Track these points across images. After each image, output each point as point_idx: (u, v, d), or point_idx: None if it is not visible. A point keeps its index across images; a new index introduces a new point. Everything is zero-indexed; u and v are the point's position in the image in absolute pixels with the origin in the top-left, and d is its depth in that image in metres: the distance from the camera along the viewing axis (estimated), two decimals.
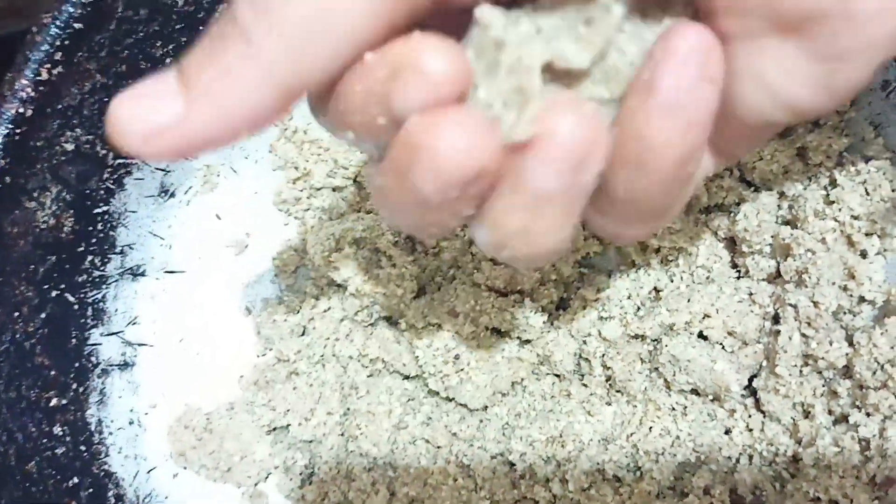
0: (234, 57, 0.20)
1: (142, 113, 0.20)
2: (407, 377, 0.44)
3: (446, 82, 0.20)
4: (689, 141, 0.22)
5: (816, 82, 0.23)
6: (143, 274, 0.45)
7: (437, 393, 0.43)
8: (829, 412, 0.37)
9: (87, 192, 0.42)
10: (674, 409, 0.40)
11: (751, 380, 0.40)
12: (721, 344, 0.39)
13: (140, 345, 0.45)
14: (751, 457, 0.39)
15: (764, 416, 0.39)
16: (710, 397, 0.40)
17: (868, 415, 0.35)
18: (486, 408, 0.43)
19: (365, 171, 0.27)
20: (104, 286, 0.44)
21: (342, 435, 0.43)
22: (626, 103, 0.23)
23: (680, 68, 0.21)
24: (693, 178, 0.25)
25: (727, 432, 0.40)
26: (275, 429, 0.44)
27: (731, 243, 0.41)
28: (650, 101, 0.22)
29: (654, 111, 0.22)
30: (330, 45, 0.20)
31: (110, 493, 0.42)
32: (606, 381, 0.41)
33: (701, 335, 0.40)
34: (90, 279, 0.43)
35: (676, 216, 0.38)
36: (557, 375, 0.43)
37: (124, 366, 0.44)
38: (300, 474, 0.43)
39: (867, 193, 0.38)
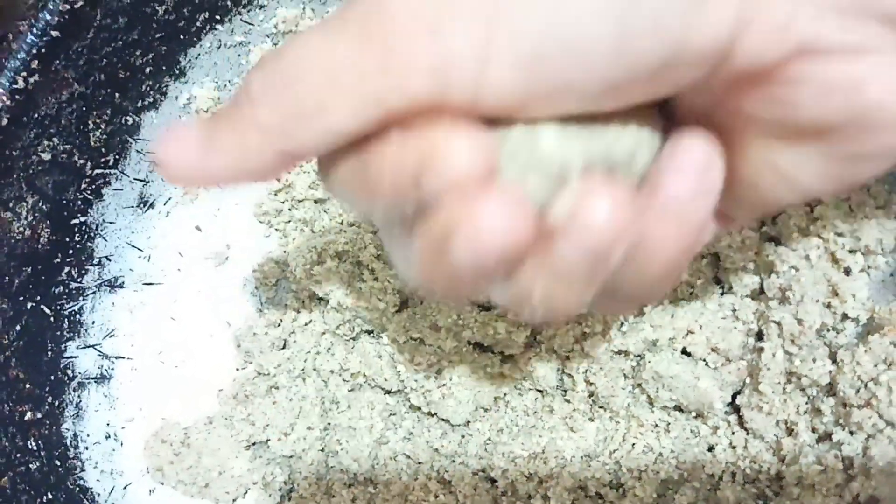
0: (241, 120, 0.22)
1: (175, 153, 0.23)
2: (388, 392, 0.43)
3: (473, 173, 0.20)
4: (681, 242, 0.23)
5: (830, 176, 0.24)
6: (121, 286, 0.45)
7: (419, 408, 0.42)
8: (813, 430, 0.37)
9: (65, 202, 0.41)
10: (657, 425, 0.40)
11: (734, 397, 0.39)
12: (704, 360, 0.39)
13: (117, 358, 0.44)
14: (734, 474, 0.38)
15: (747, 434, 0.38)
16: (694, 414, 0.40)
17: (851, 433, 0.35)
18: (467, 423, 0.42)
19: (381, 234, 0.28)
20: (81, 298, 0.43)
21: (322, 450, 0.43)
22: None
23: (681, 180, 0.23)
24: (685, 267, 0.26)
25: (710, 449, 0.39)
26: (254, 444, 0.43)
27: (715, 259, 0.41)
28: (651, 203, 0.23)
29: (654, 213, 0.23)
30: (321, 131, 0.21)
31: None
32: (589, 396, 0.41)
33: (684, 351, 0.39)
34: (67, 291, 0.42)
35: (661, 297, 0.39)
36: (540, 391, 0.42)
37: (101, 379, 0.43)
38: (279, 490, 0.43)
39: (851, 211, 0.38)
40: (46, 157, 0.40)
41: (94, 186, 0.43)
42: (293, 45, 0.21)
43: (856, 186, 0.28)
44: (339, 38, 0.20)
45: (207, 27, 0.43)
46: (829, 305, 0.37)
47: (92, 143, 0.42)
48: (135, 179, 0.44)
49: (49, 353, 0.42)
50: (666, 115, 0.25)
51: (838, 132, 0.23)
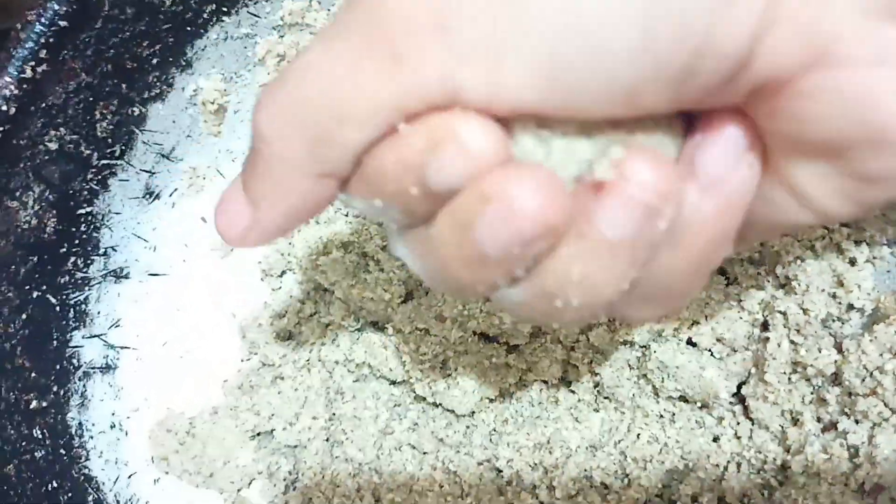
0: (266, 165, 0.21)
1: (229, 221, 0.23)
2: (393, 382, 0.44)
3: (487, 156, 0.20)
4: (725, 222, 0.23)
5: (847, 196, 0.23)
6: (126, 276, 0.45)
7: (424, 398, 0.42)
8: (818, 419, 0.37)
9: (71, 192, 0.41)
10: (662, 416, 0.40)
11: (739, 387, 0.39)
12: (710, 351, 0.39)
13: (123, 348, 0.44)
14: (739, 464, 0.38)
15: (752, 424, 0.39)
16: (699, 404, 0.40)
17: (857, 422, 0.35)
18: (473, 414, 0.42)
19: (386, 230, 0.27)
20: (87, 288, 0.43)
21: (327, 440, 0.43)
22: None
23: (721, 147, 0.22)
24: (715, 266, 0.25)
25: (715, 440, 0.39)
26: (259, 434, 0.43)
27: None
28: (691, 179, 0.22)
29: (695, 189, 0.22)
30: (345, 148, 0.20)
31: (90, 498, 0.41)
32: (594, 387, 0.41)
33: (690, 342, 0.39)
34: (72, 281, 0.42)
35: (686, 304, 0.38)
36: (545, 382, 0.42)
37: (106, 369, 0.43)
38: (284, 480, 0.43)
39: None
40: (53, 146, 0.40)
41: (100, 177, 0.43)
42: (292, 69, 0.20)
43: (875, 208, 0.26)
44: (339, 48, 0.20)
45: (214, 19, 0.44)
46: (834, 296, 0.37)
47: (98, 134, 0.42)
48: (141, 170, 0.44)
49: (54, 342, 0.42)
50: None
51: (854, 150, 0.22)
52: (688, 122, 0.23)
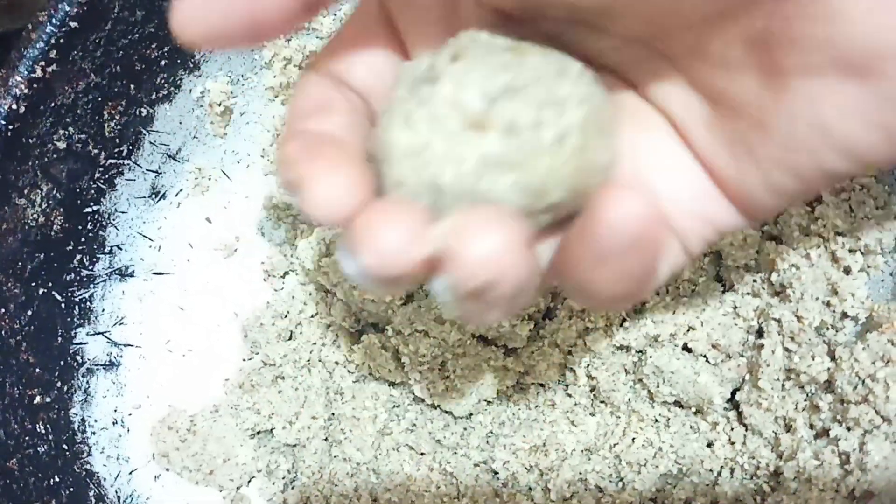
0: None
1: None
2: (392, 384, 0.44)
3: (342, 209, 0.20)
4: (627, 286, 0.21)
5: (879, 126, 0.21)
6: (131, 275, 0.45)
7: (423, 400, 0.43)
8: (811, 426, 0.37)
9: (78, 191, 0.42)
10: (657, 420, 0.41)
11: (733, 393, 0.40)
12: (705, 356, 0.40)
13: (126, 345, 0.45)
14: (732, 470, 0.39)
15: (746, 430, 0.39)
16: (693, 409, 0.40)
17: (849, 429, 0.36)
18: (470, 416, 0.43)
19: None
20: (92, 286, 0.44)
21: (326, 440, 0.43)
22: (562, 244, 0.23)
23: (608, 229, 0.20)
24: (658, 275, 0.23)
25: (709, 445, 0.40)
26: (259, 432, 0.44)
27: (717, 257, 0.41)
28: (583, 247, 0.21)
29: (588, 258, 0.21)
30: None
31: (91, 494, 0.41)
32: (591, 391, 0.42)
33: (685, 347, 0.40)
34: (78, 278, 0.43)
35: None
36: (542, 385, 0.43)
37: (110, 366, 0.44)
38: (283, 478, 0.43)
39: (851, 210, 0.39)
40: (62, 145, 0.41)
41: (107, 176, 0.43)
42: None
43: None
44: None
45: None
46: (828, 304, 0.38)
47: (106, 134, 0.42)
48: (147, 170, 0.45)
49: (59, 338, 0.42)
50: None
51: (887, 65, 0.20)
52: None
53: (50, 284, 0.41)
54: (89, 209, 0.43)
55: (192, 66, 0.45)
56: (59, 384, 0.42)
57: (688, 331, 0.39)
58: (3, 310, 0.39)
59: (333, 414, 0.43)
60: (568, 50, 0.23)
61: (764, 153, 0.23)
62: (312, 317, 0.45)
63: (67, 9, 0.39)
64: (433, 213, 0.21)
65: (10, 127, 0.38)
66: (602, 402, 0.41)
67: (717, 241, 0.25)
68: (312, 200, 0.21)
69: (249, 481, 0.44)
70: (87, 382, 0.43)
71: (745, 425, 0.39)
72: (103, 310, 0.44)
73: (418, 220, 0.20)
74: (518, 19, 0.24)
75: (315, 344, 0.45)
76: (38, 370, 0.41)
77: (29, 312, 0.41)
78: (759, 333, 0.39)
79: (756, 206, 0.24)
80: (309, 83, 0.25)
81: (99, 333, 0.44)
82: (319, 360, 0.44)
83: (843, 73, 0.21)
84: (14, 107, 0.38)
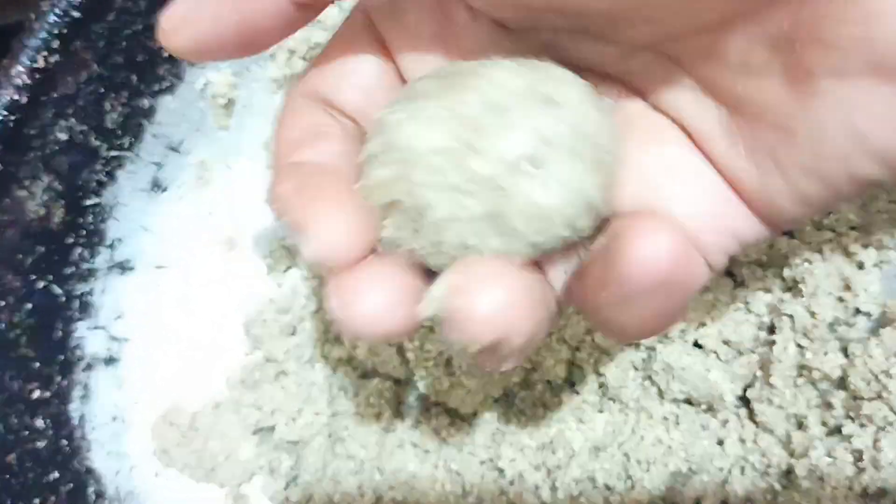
0: None
1: (173, 14, 0.22)
2: (397, 380, 0.43)
3: (340, 255, 0.20)
4: (656, 324, 0.21)
5: None
6: (132, 269, 0.45)
7: (428, 397, 0.42)
8: (823, 423, 0.37)
9: (79, 183, 0.42)
10: (666, 418, 0.40)
11: (745, 390, 0.39)
12: (716, 353, 0.39)
13: (126, 340, 0.44)
14: (743, 468, 0.38)
15: (757, 427, 0.38)
16: (704, 407, 0.40)
17: (862, 426, 0.35)
18: (476, 413, 0.42)
19: None
20: (92, 279, 0.43)
21: (329, 436, 0.43)
22: (583, 277, 0.22)
23: (636, 270, 0.19)
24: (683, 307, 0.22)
25: (720, 443, 0.39)
26: (261, 429, 0.43)
27: None
28: (608, 287, 0.20)
29: (613, 299, 0.20)
30: None
31: (90, 490, 0.41)
32: (599, 388, 0.41)
33: (696, 344, 0.39)
34: (78, 272, 0.42)
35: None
36: (549, 382, 0.42)
37: (110, 361, 0.43)
38: (285, 476, 0.43)
39: (864, 205, 0.38)
40: (63, 137, 0.40)
41: (108, 168, 0.43)
42: None
43: None
44: None
45: None
46: (841, 299, 0.37)
47: (108, 125, 0.42)
48: (149, 163, 0.44)
49: (59, 332, 0.42)
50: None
51: None
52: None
53: (49, 278, 0.41)
54: (90, 201, 0.42)
55: None
56: (58, 379, 0.41)
57: (698, 327, 0.39)
58: (2, 303, 0.39)
59: (337, 411, 0.43)
60: (567, 60, 0.23)
61: (790, 161, 0.22)
62: (315, 312, 0.45)
63: None
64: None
65: (12, 117, 0.37)
66: (611, 399, 0.41)
67: (739, 252, 0.24)
68: (315, 247, 0.20)
69: (251, 478, 0.43)
70: (87, 377, 0.42)
71: (756, 423, 0.38)
72: (103, 304, 0.44)
73: (409, 281, 0.19)
74: (515, 31, 0.23)
75: (318, 340, 0.44)
76: (37, 364, 0.40)
77: (28, 306, 0.40)
78: (771, 330, 0.39)
79: (781, 215, 0.23)
80: (296, 107, 0.24)
81: (99, 328, 0.43)
82: (322, 357, 0.44)
83: (880, 77, 0.19)
84: (16, 97, 0.38)
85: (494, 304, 0.18)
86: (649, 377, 0.40)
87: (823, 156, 0.21)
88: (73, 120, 0.40)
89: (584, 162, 0.21)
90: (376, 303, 0.19)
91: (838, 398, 0.36)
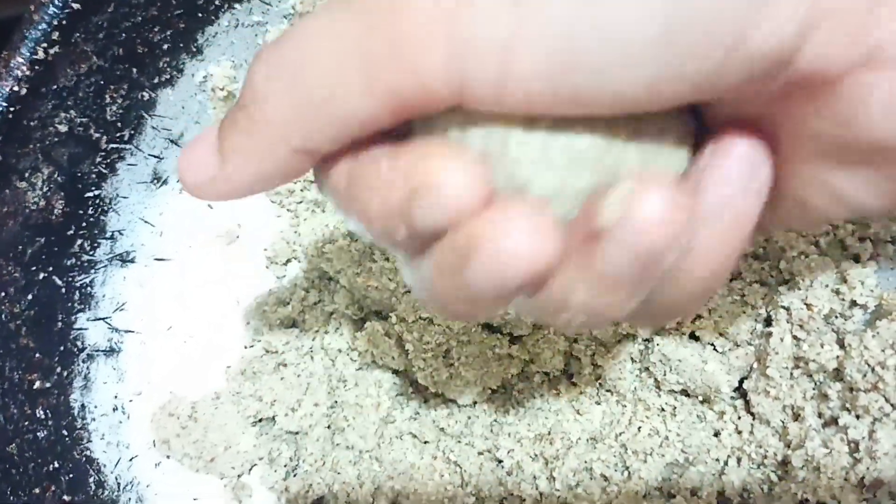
0: (249, 119, 0.21)
1: (193, 167, 0.22)
2: (396, 371, 0.44)
3: (469, 201, 0.19)
4: (727, 248, 0.21)
5: (887, 195, 0.22)
6: (132, 260, 0.45)
7: (426, 388, 0.42)
8: (819, 415, 0.37)
9: (79, 175, 0.42)
10: (663, 409, 0.40)
11: (741, 381, 0.40)
12: (712, 345, 0.39)
13: (127, 331, 0.44)
14: (739, 459, 0.39)
15: (753, 419, 0.39)
16: (700, 398, 0.40)
17: (858, 417, 0.35)
18: (474, 404, 0.43)
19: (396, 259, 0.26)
20: (92, 271, 0.43)
21: (328, 427, 0.43)
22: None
23: (727, 178, 0.21)
24: (724, 279, 0.23)
25: (716, 434, 0.39)
26: (260, 420, 0.43)
27: None
28: (694, 205, 0.20)
29: (698, 216, 0.21)
30: (332, 122, 0.20)
31: (91, 480, 0.41)
32: (596, 379, 0.41)
33: (692, 336, 0.40)
34: (79, 263, 0.43)
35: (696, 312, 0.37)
36: (547, 373, 0.42)
37: (110, 352, 0.44)
38: (285, 466, 0.43)
39: None
40: (63, 129, 0.40)
41: (108, 160, 0.43)
42: (296, 32, 0.20)
43: None
44: (346, 19, 0.19)
45: (225, 6, 0.44)
46: (837, 292, 0.38)
47: (108, 118, 0.42)
48: (149, 155, 0.44)
49: (59, 324, 0.42)
50: (697, 120, 0.23)
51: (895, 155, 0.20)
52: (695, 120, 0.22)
53: (50, 269, 0.41)
54: (90, 194, 0.42)
55: (195, 50, 0.44)
56: (58, 369, 0.41)
57: (695, 319, 0.39)
58: (2, 294, 0.39)
59: (336, 402, 0.43)
60: None
61: (768, 207, 0.22)
62: (315, 304, 0.45)
63: None
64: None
65: (12, 109, 0.38)
66: (608, 390, 0.41)
67: None
68: (444, 201, 0.19)
69: (251, 469, 0.43)
70: (88, 368, 0.43)
71: (752, 414, 0.39)
72: (104, 295, 0.44)
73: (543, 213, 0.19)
74: None
75: (318, 331, 0.44)
76: (37, 355, 0.40)
77: (29, 297, 0.40)
78: (768, 321, 0.39)
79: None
80: None
81: (99, 319, 0.43)
82: (322, 348, 0.44)
83: (857, 162, 0.21)
84: (16, 89, 0.38)
85: (662, 211, 0.18)
86: (646, 369, 0.40)
87: (801, 206, 0.23)
88: (73, 112, 0.40)
89: None
90: (526, 238, 0.18)
91: (834, 389, 0.36)
